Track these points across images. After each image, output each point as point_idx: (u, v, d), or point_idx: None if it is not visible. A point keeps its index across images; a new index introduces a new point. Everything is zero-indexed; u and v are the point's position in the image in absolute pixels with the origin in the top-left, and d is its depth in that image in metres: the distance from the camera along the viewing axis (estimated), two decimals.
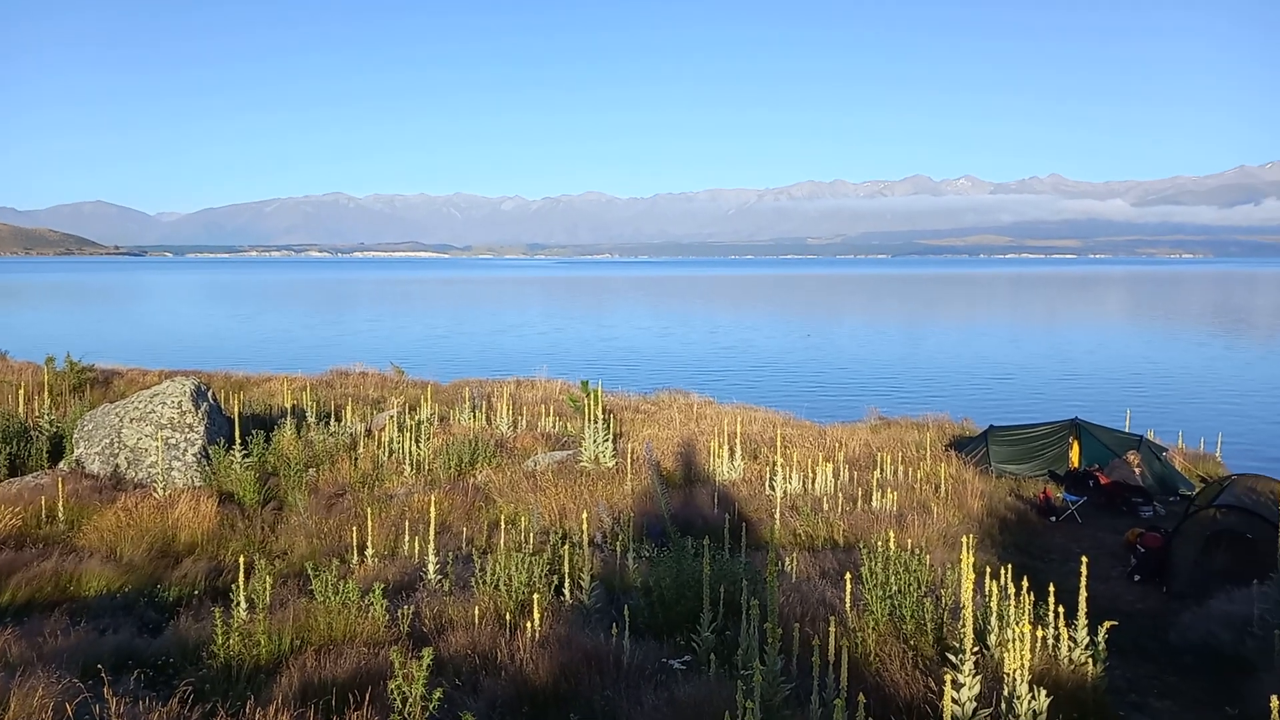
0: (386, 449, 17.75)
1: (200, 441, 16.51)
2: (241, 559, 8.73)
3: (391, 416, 20.00)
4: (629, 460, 16.75)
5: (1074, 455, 20.05)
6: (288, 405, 21.06)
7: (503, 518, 13.77)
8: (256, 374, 30.56)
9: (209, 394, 18.13)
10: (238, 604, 7.84)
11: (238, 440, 16.02)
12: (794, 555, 12.29)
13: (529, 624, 7.65)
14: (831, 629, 6.16)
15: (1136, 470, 18.22)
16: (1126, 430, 21.44)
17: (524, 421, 22.58)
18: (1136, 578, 13.07)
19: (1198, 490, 17.60)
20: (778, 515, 15.06)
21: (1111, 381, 44.75)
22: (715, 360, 55.00)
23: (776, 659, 5.97)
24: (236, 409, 17.63)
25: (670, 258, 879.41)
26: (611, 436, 18.98)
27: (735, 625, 7.36)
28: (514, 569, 9.07)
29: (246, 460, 15.99)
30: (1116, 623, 9.92)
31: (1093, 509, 17.45)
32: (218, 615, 7.40)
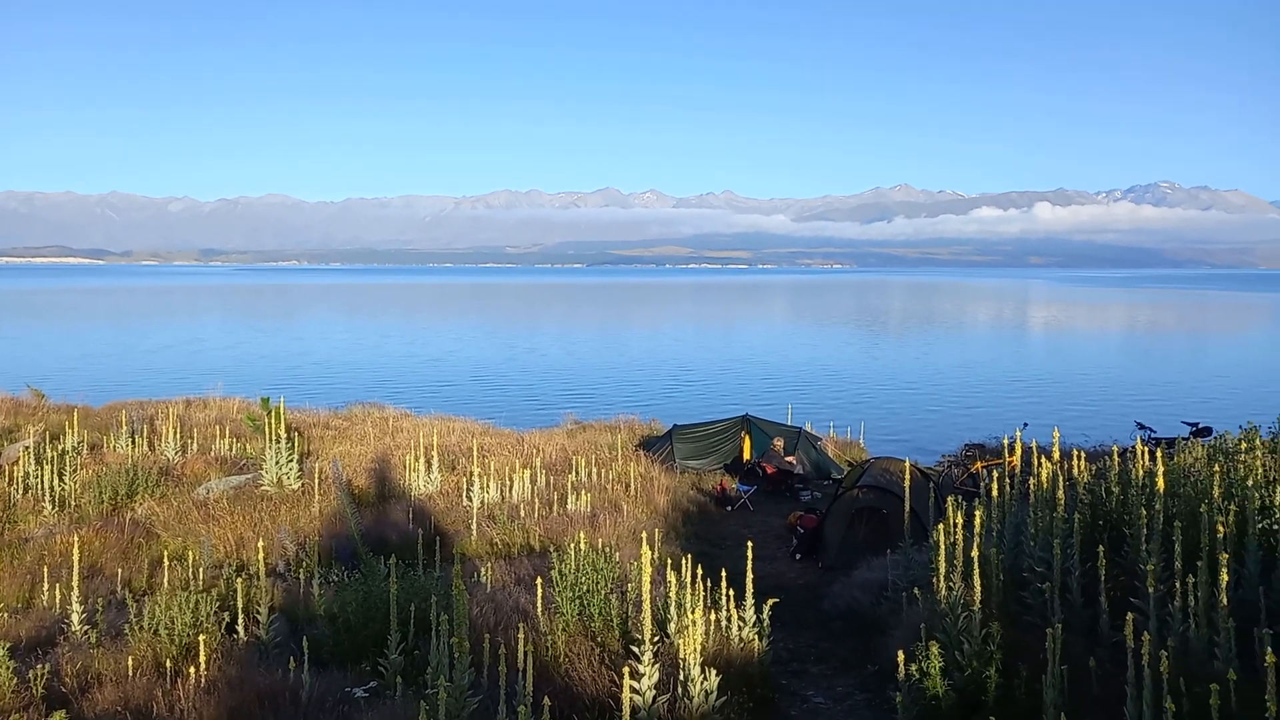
0: (21, 485, 15.37)
1: None
2: None
3: (27, 447, 17.34)
4: (317, 480, 15.84)
5: (746, 448, 21.93)
6: None
7: (167, 554, 12.43)
8: None
9: None
10: None
11: None
12: (490, 565, 12.29)
13: (193, 669, 6.97)
14: (520, 635, 6.23)
15: (790, 460, 20.31)
16: (789, 423, 23.83)
17: (195, 445, 20.56)
18: (797, 556, 14.58)
19: (846, 473, 19.98)
20: (474, 526, 15.01)
21: (777, 378, 49.62)
22: (414, 372, 53.66)
23: (466, 672, 5.94)
24: None
25: (364, 265, 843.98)
26: (297, 456, 17.84)
27: (427, 644, 7.22)
28: (177, 610, 8.22)
29: None
30: (779, 599, 11.01)
31: (763, 496, 19.22)
32: None
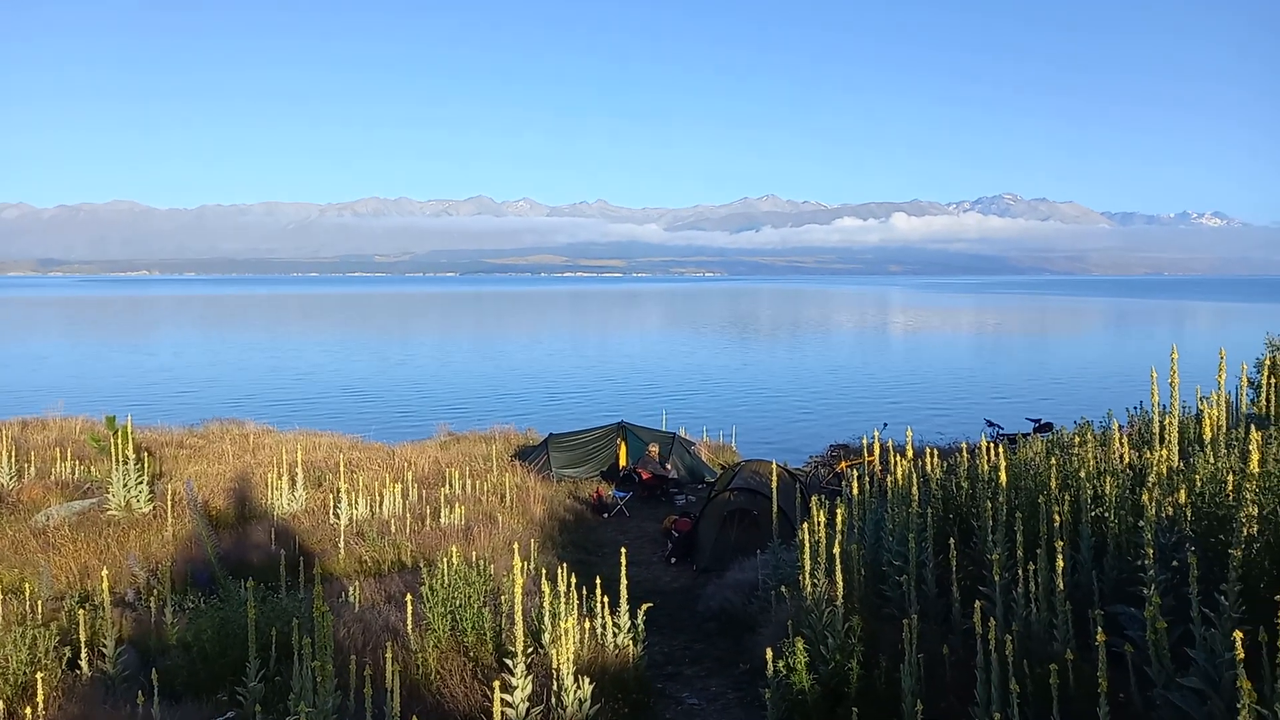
0: None
1: None
2: None
3: None
4: (169, 503, 14.97)
5: (622, 455, 22.07)
6: None
7: (1, 587, 11.49)
8: None
9: None
10: None
11: None
12: (359, 583, 11.91)
13: (29, 710, 6.46)
14: (388, 654, 6.06)
15: (666, 465, 20.58)
16: (664, 429, 24.13)
17: (33, 469, 19.09)
18: (673, 560, 14.76)
19: (719, 477, 20.37)
20: (342, 544, 14.52)
21: (652, 385, 50.15)
22: (277, 386, 51.44)
23: (331, 696, 5.73)
24: None
25: (223, 275, 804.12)
26: (148, 478, 16.81)
27: (291, 669, 6.93)
28: (11, 646, 7.60)
29: None
30: (655, 603, 11.11)
31: (639, 502, 19.37)
32: None
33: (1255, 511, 5.11)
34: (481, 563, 10.45)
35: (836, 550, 7.01)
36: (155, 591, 10.99)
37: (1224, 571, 4.68)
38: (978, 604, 5.57)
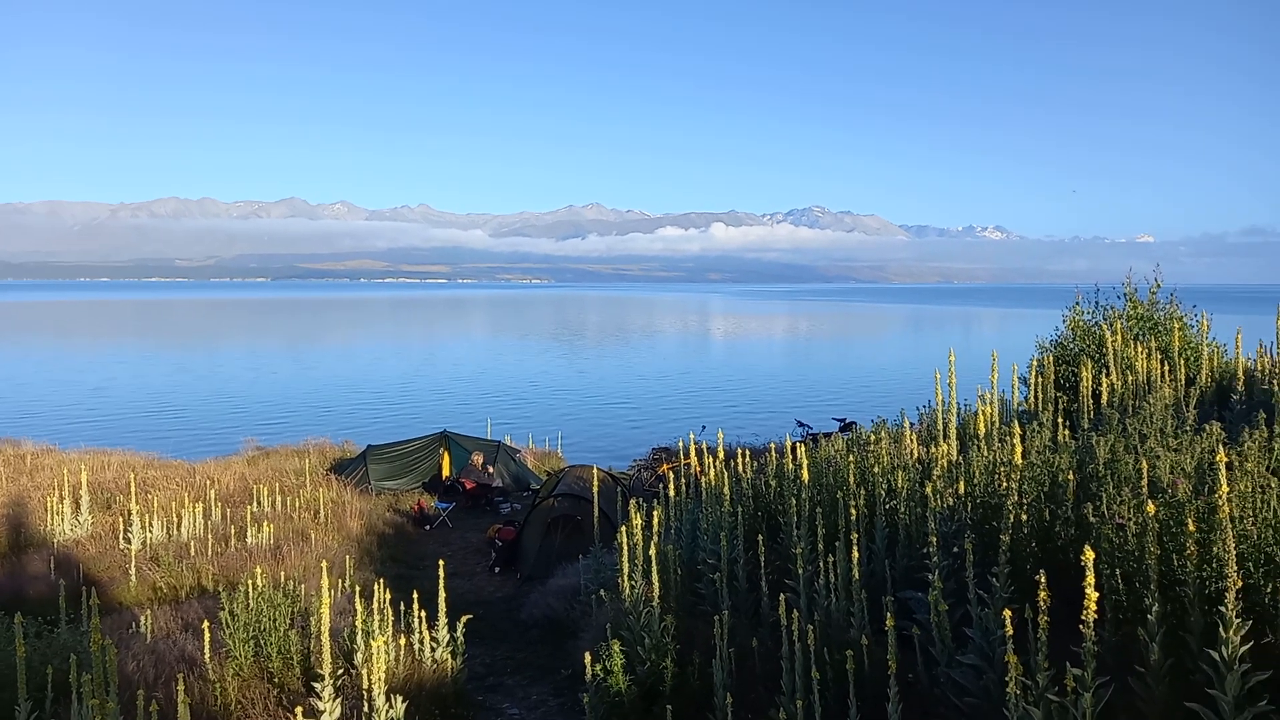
0: None
1: None
2: None
3: None
4: None
5: (446, 465, 21.60)
6: None
7: None
8: None
9: None
10: None
11: None
12: (153, 612, 11.03)
13: None
14: (180, 686, 5.64)
15: (490, 470, 20.37)
16: (489, 437, 23.82)
17: None
18: (496, 569, 14.59)
19: (544, 483, 20.33)
20: (134, 570, 13.41)
21: (477, 393, 49.42)
22: (62, 403, 46.83)
23: None
24: None
25: None
26: None
27: (69, 710, 6.31)
28: None
29: None
30: (477, 614, 10.95)
31: (463, 512, 19.02)
32: None
33: (1019, 499, 5.64)
34: (291, 583, 9.94)
35: (653, 552, 7.15)
36: None
37: (997, 555, 5.13)
38: (783, 597, 5.83)
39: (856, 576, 6.03)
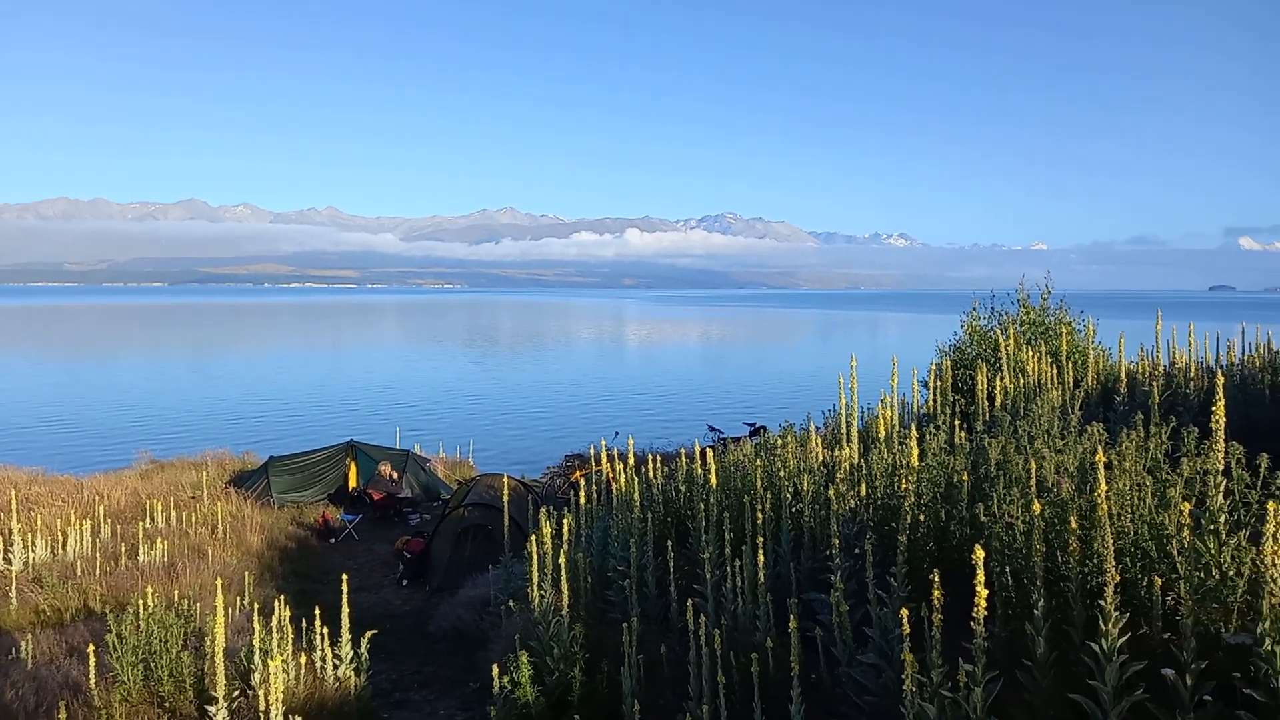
0: None
1: None
2: None
3: None
4: None
5: (353, 475, 21.07)
6: None
7: None
8: None
9: None
10: None
11: None
12: (35, 636, 10.44)
13: None
14: (62, 715, 5.34)
15: (393, 478, 19.96)
16: (398, 446, 23.34)
17: None
18: (405, 581, 14.29)
19: (454, 493, 20.03)
20: (14, 593, 12.68)
21: (386, 401, 48.38)
22: None
23: None
24: None
25: None
26: None
27: None
28: None
29: None
30: (384, 628, 10.70)
31: (370, 524, 18.58)
32: None
33: (916, 500, 5.80)
34: (185, 602, 9.56)
35: (562, 560, 7.10)
36: None
37: (896, 555, 5.25)
38: (690, 602, 5.86)
39: (762, 580, 6.10)
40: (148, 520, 16.18)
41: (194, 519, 16.69)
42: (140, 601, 8.00)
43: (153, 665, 7.35)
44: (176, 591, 10.94)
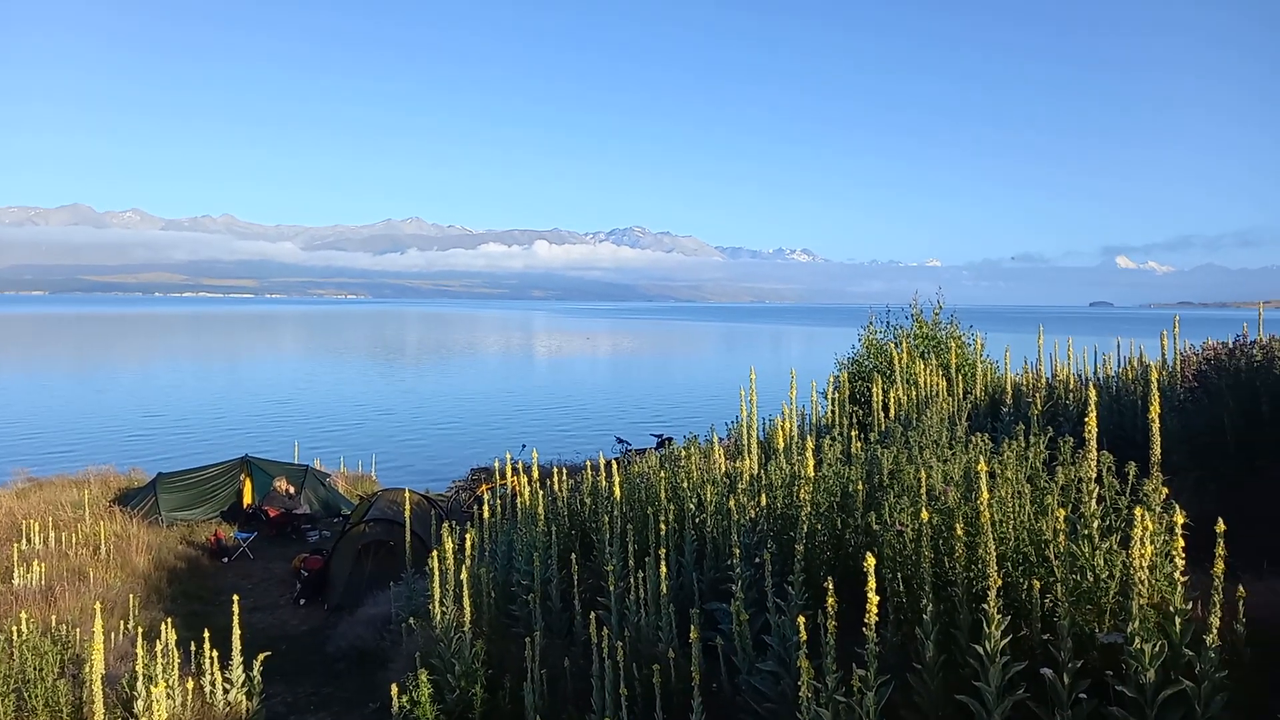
0: None
1: None
2: None
3: None
4: None
5: (248, 492, 20.31)
6: None
7: None
8: None
9: None
10: None
11: None
12: None
13: None
14: None
15: (290, 494, 19.36)
16: (296, 461, 22.62)
17: None
18: (302, 601, 13.84)
19: (355, 508, 19.52)
20: None
21: (283, 415, 46.81)
22: None
23: None
24: None
25: None
26: None
27: None
28: None
29: None
30: (279, 649, 10.36)
31: (266, 542, 17.93)
32: None
33: (813, 510, 5.95)
34: (64, 628, 9.08)
35: (465, 575, 7.01)
36: None
37: (794, 564, 5.37)
38: (594, 615, 5.87)
39: (665, 591, 6.15)
40: (24, 541, 15.27)
41: (75, 540, 15.83)
42: (14, 628, 7.56)
43: (26, 695, 6.94)
44: (54, 617, 10.37)
